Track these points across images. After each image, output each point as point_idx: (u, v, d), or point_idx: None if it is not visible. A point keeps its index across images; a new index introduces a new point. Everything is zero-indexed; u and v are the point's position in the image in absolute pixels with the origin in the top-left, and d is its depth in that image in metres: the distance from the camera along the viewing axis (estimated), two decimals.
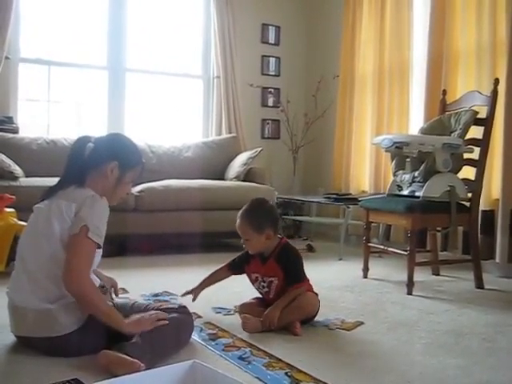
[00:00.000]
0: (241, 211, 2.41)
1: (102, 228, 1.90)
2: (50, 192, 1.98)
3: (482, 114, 3.29)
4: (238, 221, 2.39)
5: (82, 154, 2.02)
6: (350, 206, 4.28)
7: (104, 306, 1.88)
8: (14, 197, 3.11)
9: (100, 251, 1.97)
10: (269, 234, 2.35)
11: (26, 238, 1.98)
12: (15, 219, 3.09)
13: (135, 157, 2.10)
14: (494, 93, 3.24)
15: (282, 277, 2.35)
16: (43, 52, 4.78)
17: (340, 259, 4.10)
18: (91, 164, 2.01)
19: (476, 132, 3.34)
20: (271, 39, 5.73)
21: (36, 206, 1.99)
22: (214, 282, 2.55)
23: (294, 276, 2.36)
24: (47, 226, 1.89)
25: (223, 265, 2.56)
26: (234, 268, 2.54)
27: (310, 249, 4.47)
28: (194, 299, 2.47)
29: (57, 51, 4.83)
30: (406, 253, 3.11)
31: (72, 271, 1.83)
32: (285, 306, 2.26)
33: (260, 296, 2.48)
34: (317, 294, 2.43)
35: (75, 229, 1.85)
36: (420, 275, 3.29)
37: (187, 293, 2.50)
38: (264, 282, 2.40)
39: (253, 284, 2.48)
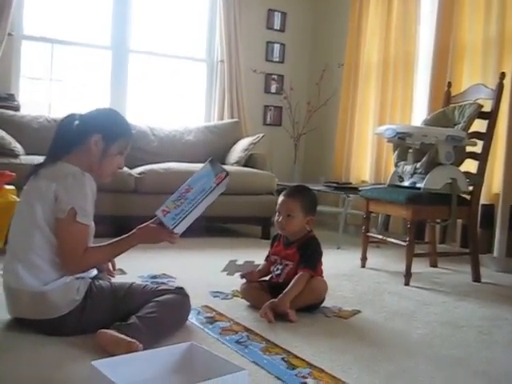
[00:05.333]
0: (289, 190, 2.49)
1: (88, 208, 1.87)
2: (33, 171, 1.93)
3: (487, 107, 3.27)
4: (284, 198, 2.45)
5: (68, 131, 1.98)
6: (350, 195, 4.27)
7: (108, 255, 2.03)
8: (14, 174, 3.10)
9: (93, 228, 1.96)
10: (311, 220, 2.44)
11: (14, 225, 1.95)
12: (15, 196, 3.08)
13: (120, 128, 2.03)
14: (500, 86, 3.22)
15: (297, 262, 2.38)
16: (47, 30, 4.74)
17: (338, 248, 4.11)
18: (76, 140, 1.96)
19: (479, 125, 3.32)
20: (277, 25, 5.68)
21: (24, 188, 1.96)
22: (263, 275, 2.53)
23: (306, 261, 2.37)
24: (30, 211, 1.86)
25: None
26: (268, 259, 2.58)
27: None
28: (249, 280, 2.47)
29: (60, 29, 4.79)
30: (404, 244, 3.12)
31: (70, 258, 1.84)
32: (295, 296, 2.26)
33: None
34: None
35: (62, 212, 1.82)
36: (417, 266, 3.30)
37: (243, 275, 2.48)
38: (281, 264, 2.44)
39: (269, 266, 2.51)
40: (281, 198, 2.47)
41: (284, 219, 2.41)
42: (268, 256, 2.57)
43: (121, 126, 2.04)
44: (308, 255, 2.38)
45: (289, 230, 2.43)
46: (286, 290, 2.27)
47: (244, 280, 2.47)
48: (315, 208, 2.49)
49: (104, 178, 2.02)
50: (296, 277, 2.31)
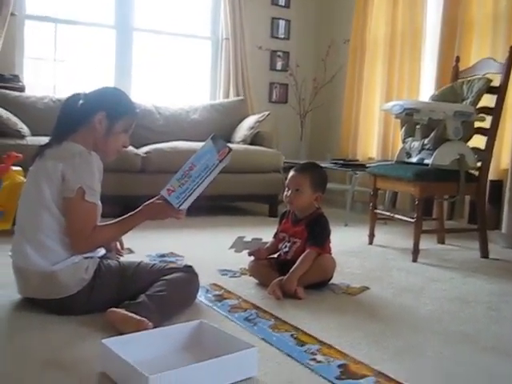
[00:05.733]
0: (300, 166, 2.49)
1: (95, 186, 1.88)
2: (39, 151, 1.94)
3: (496, 82, 3.22)
4: (294, 173, 2.45)
5: (72, 110, 1.98)
6: (358, 172, 4.25)
7: (116, 233, 2.02)
8: (20, 155, 3.11)
9: (100, 207, 1.96)
10: (319, 196, 2.44)
11: (21, 206, 1.95)
12: (22, 177, 3.09)
13: (124, 106, 2.03)
14: (509, 61, 3.16)
15: (305, 240, 2.37)
16: (50, 9, 4.70)
17: (346, 225, 4.10)
18: (80, 119, 1.96)
19: (488, 100, 3.28)
20: (281, 1, 5.60)
21: (30, 168, 1.96)
22: (271, 252, 2.53)
23: (314, 238, 2.36)
24: (37, 191, 1.86)
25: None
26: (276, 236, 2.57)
27: None
28: (257, 258, 2.47)
29: (64, 9, 4.75)
30: (412, 220, 3.11)
31: (79, 237, 1.85)
32: (302, 274, 2.26)
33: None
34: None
35: (70, 192, 1.82)
36: (425, 243, 3.28)
37: (251, 253, 2.49)
38: (289, 241, 2.44)
39: (277, 243, 2.51)
40: (291, 173, 2.47)
41: (292, 193, 2.41)
42: (276, 233, 2.57)
43: (125, 104, 2.04)
44: (316, 232, 2.38)
45: (296, 204, 2.43)
46: (292, 268, 2.28)
47: (252, 258, 2.48)
48: (324, 185, 2.48)
49: (109, 157, 2.03)
50: (303, 255, 2.31)
